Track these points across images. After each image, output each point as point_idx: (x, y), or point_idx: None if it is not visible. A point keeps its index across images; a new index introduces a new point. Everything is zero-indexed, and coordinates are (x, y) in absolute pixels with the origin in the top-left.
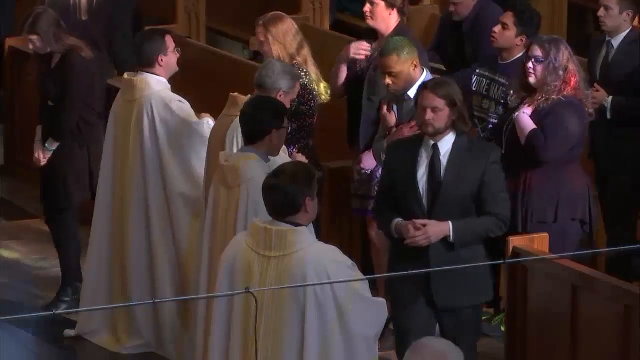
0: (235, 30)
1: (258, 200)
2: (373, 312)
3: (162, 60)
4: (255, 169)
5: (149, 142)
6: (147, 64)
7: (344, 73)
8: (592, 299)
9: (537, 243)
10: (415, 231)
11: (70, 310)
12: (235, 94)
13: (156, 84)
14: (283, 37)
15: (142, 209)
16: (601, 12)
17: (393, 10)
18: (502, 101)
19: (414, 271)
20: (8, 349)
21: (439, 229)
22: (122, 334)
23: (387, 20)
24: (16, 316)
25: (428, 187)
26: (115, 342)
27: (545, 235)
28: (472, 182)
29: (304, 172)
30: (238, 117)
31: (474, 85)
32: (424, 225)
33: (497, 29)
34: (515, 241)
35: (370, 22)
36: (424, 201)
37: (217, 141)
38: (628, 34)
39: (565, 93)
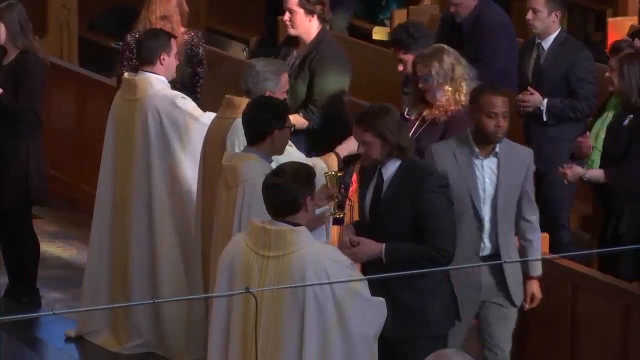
0: (235, 30)
1: (252, 202)
2: (372, 311)
3: (164, 59)
4: (253, 170)
5: (156, 141)
6: (148, 61)
7: None
8: (592, 299)
9: None
10: (349, 248)
11: (71, 310)
12: (230, 95)
13: (157, 83)
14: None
15: (146, 208)
16: (529, 15)
17: (313, 17)
18: None
19: (416, 271)
20: (8, 348)
21: (370, 249)
22: (122, 334)
23: (307, 27)
24: (16, 316)
25: (370, 208)
26: (115, 342)
27: (545, 235)
28: (406, 207)
29: (304, 171)
30: (237, 119)
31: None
32: (358, 243)
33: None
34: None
35: (291, 31)
36: (367, 219)
37: (213, 142)
38: (558, 35)
39: (463, 102)
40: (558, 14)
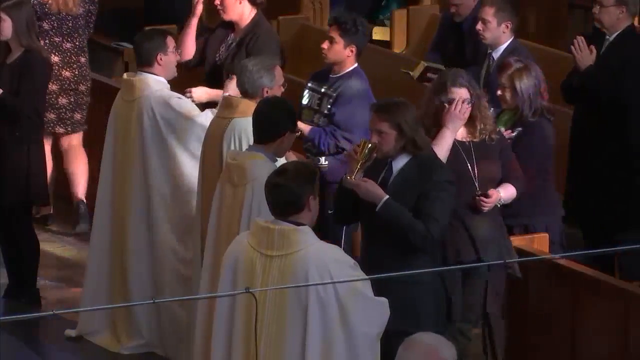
0: None
1: (262, 200)
2: (375, 311)
3: (161, 59)
4: (261, 169)
5: (153, 141)
6: (146, 62)
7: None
8: (592, 299)
9: (537, 243)
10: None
11: (71, 310)
12: (229, 95)
13: (155, 84)
14: None
15: (143, 208)
16: (479, 26)
17: (242, 0)
18: (327, 112)
19: (416, 271)
20: (8, 348)
21: (373, 191)
22: (122, 334)
23: (237, 11)
24: (16, 316)
25: None
26: (115, 342)
27: (545, 235)
28: (410, 198)
29: (306, 170)
30: (234, 119)
31: (306, 99)
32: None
33: (325, 44)
34: (515, 241)
35: (223, 16)
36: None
37: (212, 142)
38: (509, 45)
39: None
40: (508, 25)
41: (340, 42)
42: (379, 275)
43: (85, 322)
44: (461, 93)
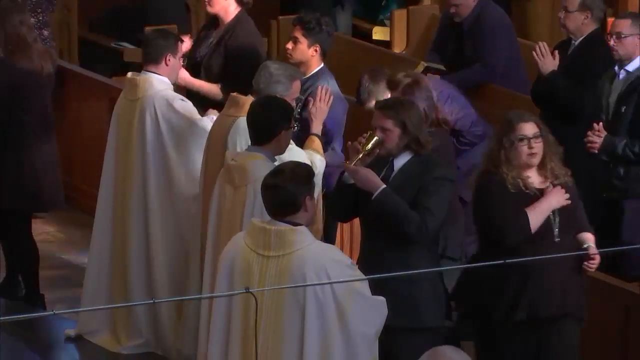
0: None
1: None
2: (373, 310)
3: (169, 59)
4: (262, 169)
5: (152, 142)
6: (154, 59)
7: None
8: (592, 299)
9: None
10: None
11: (71, 310)
12: (235, 93)
13: (159, 84)
14: None
15: (143, 208)
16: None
17: None
18: (298, 115)
19: (416, 271)
20: (8, 348)
21: (372, 179)
22: (122, 334)
23: (223, 5)
24: (16, 316)
25: None
26: (115, 342)
27: None
28: (412, 194)
29: (302, 171)
30: (239, 118)
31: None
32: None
33: (289, 45)
34: None
35: (209, 9)
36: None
37: (216, 141)
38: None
39: None
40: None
41: (304, 42)
42: (377, 276)
43: (85, 322)
44: (530, 128)
